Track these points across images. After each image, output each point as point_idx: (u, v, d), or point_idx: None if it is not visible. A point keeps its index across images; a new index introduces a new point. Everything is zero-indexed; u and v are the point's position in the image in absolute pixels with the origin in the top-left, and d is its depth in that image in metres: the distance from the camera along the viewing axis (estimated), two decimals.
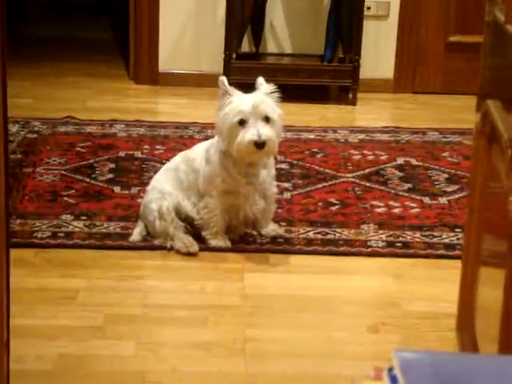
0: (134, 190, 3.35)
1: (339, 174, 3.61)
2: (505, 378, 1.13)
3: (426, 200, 3.38)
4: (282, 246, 2.99)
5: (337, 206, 3.30)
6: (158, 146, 3.83)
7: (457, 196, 3.43)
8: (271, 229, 3.04)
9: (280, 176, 3.56)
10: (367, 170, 3.66)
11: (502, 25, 1.98)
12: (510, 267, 1.80)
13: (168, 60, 4.73)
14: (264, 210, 2.99)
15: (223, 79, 2.91)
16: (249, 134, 2.76)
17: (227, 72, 4.48)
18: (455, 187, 3.51)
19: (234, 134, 2.80)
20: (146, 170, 3.55)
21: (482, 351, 2.07)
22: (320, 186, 3.49)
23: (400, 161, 3.78)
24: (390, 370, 1.14)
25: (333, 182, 3.53)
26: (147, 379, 2.27)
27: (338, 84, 4.66)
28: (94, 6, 6.42)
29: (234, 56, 4.53)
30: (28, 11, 6.34)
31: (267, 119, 2.81)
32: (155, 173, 3.18)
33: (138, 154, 3.73)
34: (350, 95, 4.57)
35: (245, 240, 3.01)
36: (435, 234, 3.10)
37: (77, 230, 3.04)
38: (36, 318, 2.52)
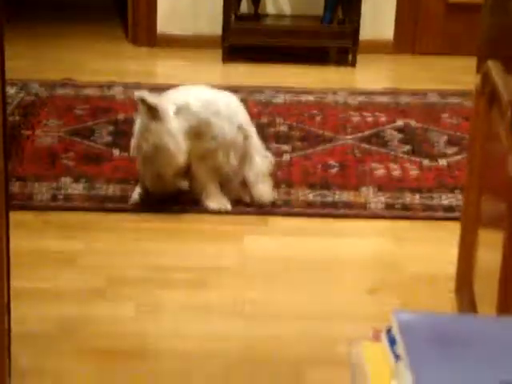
0: None
1: (338, 136, 3.61)
2: (503, 339, 1.13)
3: (426, 162, 3.38)
4: (281, 209, 2.99)
5: (336, 169, 3.30)
6: None
7: (456, 158, 3.42)
8: (260, 193, 2.98)
9: (279, 138, 3.56)
10: (367, 132, 3.65)
11: None
12: (509, 229, 1.81)
13: (166, 21, 4.69)
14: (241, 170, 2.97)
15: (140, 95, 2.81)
16: None
17: (226, 34, 4.45)
18: (455, 149, 3.50)
19: None
20: None
21: (481, 312, 2.08)
22: (319, 148, 3.48)
23: (399, 122, 3.77)
24: (389, 330, 1.15)
25: (332, 144, 3.53)
26: (147, 340, 2.29)
27: (337, 45, 4.63)
28: None
29: (233, 17, 4.49)
30: None
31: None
32: None
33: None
34: (350, 57, 4.54)
35: (244, 202, 3.01)
36: (434, 195, 3.11)
37: (76, 192, 3.04)
38: (36, 280, 2.53)
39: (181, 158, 2.87)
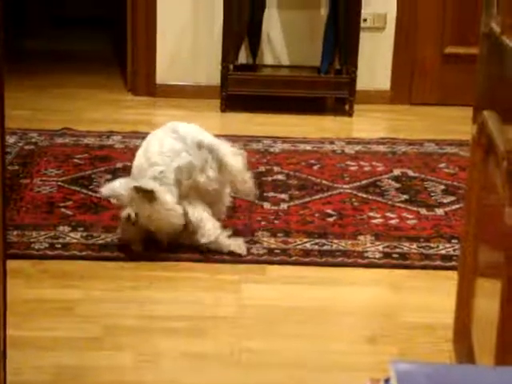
0: None
1: (336, 185, 3.62)
2: None
3: (423, 211, 3.39)
4: (279, 257, 2.99)
5: (334, 217, 3.30)
6: None
7: (453, 207, 3.43)
8: (243, 191, 3.08)
9: (277, 187, 3.58)
10: (364, 182, 3.67)
11: (497, 36, 1.99)
12: (506, 278, 1.81)
13: (165, 72, 4.74)
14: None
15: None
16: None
17: (225, 83, 4.49)
18: (452, 198, 3.52)
19: None
20: None
21: (479, 362, 2.07)
22: (317, 197, 3.50)
23: (397, 172, 3.79)
24: (387, 381, 1.15)
25: (329, 193, 3.54)
26: None
27: (334, 95, 4.67)
28: (92, 19, 6.43)
29: (232, 67, 4.54)
30: (27, 24, 6.35)
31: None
32: None
33: None
34: (347, 107, 4.58)
35: (239, 253, 3.01)
36: (432, 245, 3.11)
37: (74, 241, 3.04)
38: (33, 329, 2.51)
39: (181, 221, 2.96)
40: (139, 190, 2.89)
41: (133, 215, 2.91)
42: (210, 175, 2.99)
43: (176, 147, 3.00)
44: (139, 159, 3.04)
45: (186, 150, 3.00)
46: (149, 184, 2.91)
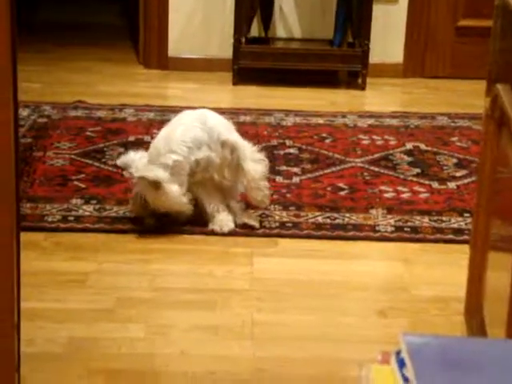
0: None
1: (348, 158, 3.61)
2: None
3: (435, 185, 3.38)
4: (290, 231, 3.00)
5: (345, 191, 3.30)
6: None
7: (466, 181, 3.42)
8: (255, 199, 2.99)
9: (289, 160, 3.57)
10: (376, 155, 3.66)
11: (511, 8, 1.97)
12: None
13: (177, 45, 4.73)
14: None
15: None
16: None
17: (237, 56, 4.48)
18: (464, 172, 3.51)
19: None
20: None
21: (490, 335, 2.08)
22: (329, 170, 3.49)
23: (409, 146, 3.78)
24: (398, 353, 1.15)
25: (342, 166, 3.54)
26: (156, 362, 2.29)
27: (347, 69, 4.65)
28: None
29: (244, 40, 4.52)
30: None
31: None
32: None
33: (148, 138, 3.74)
34: (360, 80, 4.56)
35: (252, 226, 3.01)
36: (444, 218, 3.11)
37: (86, 213, 3.05)
38: (46, 301, 2.53)
39: (187, 210, 2.96)
40: (145, 179, 2.89)
41: (141, 195, 2.92)
42: (226, 175, 2.97)
43: (199, 138, 2.95)
44: (159, 141, 2.99)
45: (208, 144, 2.95)
46: (155, 174, 2.88)
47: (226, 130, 3.01)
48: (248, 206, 3.07)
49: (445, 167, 3.56)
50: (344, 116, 4.12)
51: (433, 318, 2.52)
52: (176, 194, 2.92)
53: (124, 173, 3.33)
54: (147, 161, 2.97)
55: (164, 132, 3.02)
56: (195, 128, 2.97)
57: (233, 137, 3.00)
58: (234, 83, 4.52)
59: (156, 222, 2.97)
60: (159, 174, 2.89)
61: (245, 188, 3.00)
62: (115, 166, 3.44)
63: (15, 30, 1.74)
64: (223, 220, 2.96)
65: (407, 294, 2.65)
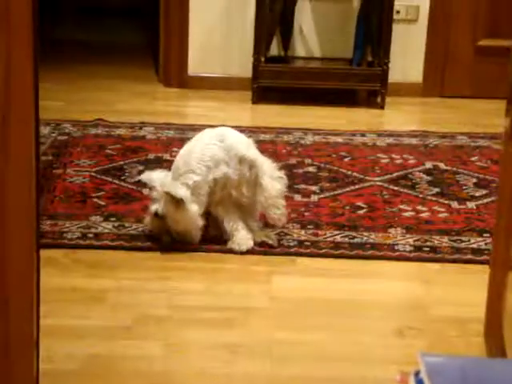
0: None
1: (367, 177, 3.61)
2: None
3: (454, 204, 3.37)
4: (309, 250, 2.99)
5: (364, 210, 3.30)
6: None
7: (485, 201, 3.41)
8: (272, 218, 3.00)
9: (307, 179, 3.57)
10: (395, 174, 3.65)
11: None
12: None
13: (197, 64, 4.75)
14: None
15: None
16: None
17: (256, 75, 4.49)
18: (484, 192, 3.50)
19: None
20: None
21: (510, 357, 2.06)
22: (348, 189, 3.49)
23: (428, 165, 3.77)
24: (417, 374, 1.15)
25: (360, 185, 3.53)
26: (173, 380, 2.29)
27: (366, 88, 4.65)
28: (125, 9, 6.46)
29: (263, 59, 4.54)
30: (60, 14, 6.39)
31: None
32: None
33: (167, 156, 3.76)
34: (379, 99, 4.56)
35: (271, 244, 3.01)
36: (463, 238, 3.09)
37: (106, 231, 3.07)
38: (65, 318, 2.54)
39: (198, 231, 2.97)
40: (169, 195, 2.90)
41: (160, 211, 2.93)
42: (244, 192, 2.97)
43: (217, 157, 2.96)
44: (179, 161, 3.00)
45: (226, 161, 2.96)
46: (180, 192, 2.90)
47: (245, 146, 3.02)
48: (266, 224, 3.07)
49: (464, 187, 3.55)
50: (363, 135, 4.12)
51: (451, 339, 2.51)
52: (194, 215, 2.93)
53: (144, 190, 3.34)
54: (171, 178, 2.99)
55: (184, 152, 3.03)
56: (213, 146, 2.98)
57: (251, 153, 3.00)
58: (254, 102, 4.54)
59: (173, 240, 2.98)
60: (182, 192, 2.91)
61: (262, 205, 3.00)
62: (134, 183, 3.45)
63: (37, 48, 1.76)
64: (242, 239, 2.96)
65: (426, 314, 2.64)
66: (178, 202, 2.90)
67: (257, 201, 3.01)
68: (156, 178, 2.99)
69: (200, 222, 2.95)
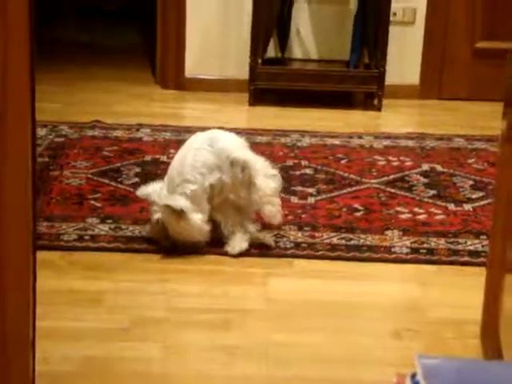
0: None
1: (364, 179, 3.61)
2: None
3: (451, 206, 3.37)
4: (305, 251, 2.99)
5: (361, 212, 3.30)
6: None
7: (482, 203, 3.41)
8: (267, 216, 2.98)
9: (304, 181, 3.57)
10: (392, 176, 3.65)
11: None
12: None
13: (194, 65, 4.75)
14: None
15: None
16: None
17: (253, 77, 4.49)
18: (480, 194, 3.50)
19: None
20: None
21: (507, 359, 2.06)
22: (344, 191, 3.49)
23: (425, 167, 3.77)
24: (413, 376, 1.15)
25: (357, 187, 3.53)
26: (171, 382, 2.29)
27: (363, 90, 4.66)
28: (122, 11, 6.46)
29: (260, 61, 4.54)
30: (57, 16, 6.39)
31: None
32: None
33: (164, 158, 3.76)
34: (376, 101, 4.56)
35: (268, 245, 3.01)
36: (460, 240, 3.09)
37: (102, 233, 3.06)
38: (62, 320, 2.54)
39: (206, 238, 2.96)
40: (169, 207, 2.90)
41: (162, 220, 2.93)
42: (241, 194, 2.97)
43: (209, 162, 2.95)
44: (172, 171, 2.98)
45: (218, 166, 2.95)
46: (179, 203, 2.89)
47: (236, 148, 3.00)
48: (263, 226, 3.07)
49: (461, 189, 3.55)
50: (360, 137, 4.12)
51: (448, 341, 2.51)
52: (199, 223, 2.92)
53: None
54: (166, 190, 2.97)
55: (175, 161, 3.02)
56: (204, 151, 2.97)
57: (242, 154, 2.98)
58: (251, 104, 4.54)
59: (172, 245, 2.97)
60: (182, 203, 2.90)
61: (257, 204, 2.99)
62: (131, 185, 3.45)
63: (34, 49, 1.76)
64: (236, 241, 2.96)
65: (423, 315, 2.64)
66: (178, 213, 2.89)
67: (252, 200, 3.00)
68: (152, 191, 2.97)
69: (206, 228, 2.94)
